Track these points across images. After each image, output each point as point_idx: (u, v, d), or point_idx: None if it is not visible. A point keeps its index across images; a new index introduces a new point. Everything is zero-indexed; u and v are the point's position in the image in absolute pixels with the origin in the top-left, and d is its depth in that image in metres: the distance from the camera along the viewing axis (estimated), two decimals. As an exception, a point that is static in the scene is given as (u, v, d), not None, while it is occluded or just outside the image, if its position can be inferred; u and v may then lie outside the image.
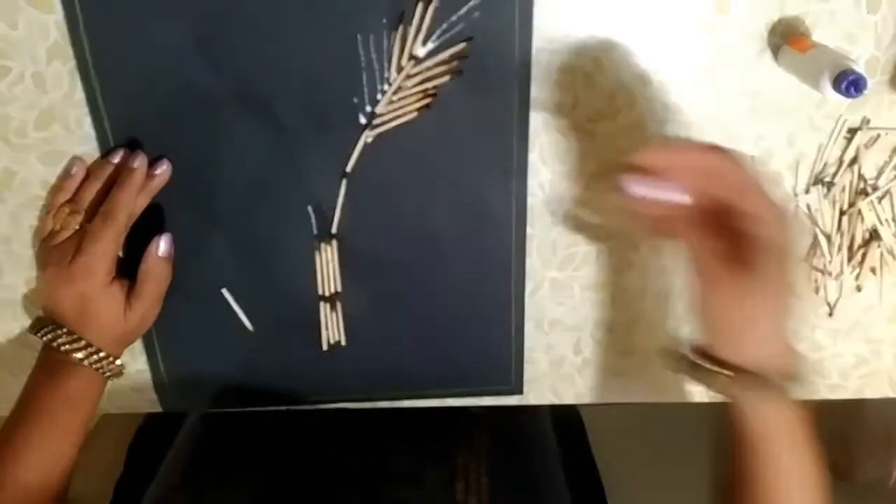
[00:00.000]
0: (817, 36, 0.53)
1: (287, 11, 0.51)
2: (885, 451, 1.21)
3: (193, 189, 0.57)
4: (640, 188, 0.43)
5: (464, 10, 0.51)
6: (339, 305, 0.61)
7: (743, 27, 0.53)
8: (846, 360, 0.66)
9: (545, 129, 0.56)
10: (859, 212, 0.59)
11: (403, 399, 0.66)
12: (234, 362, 0.63)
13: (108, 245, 0.53)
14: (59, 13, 0.51)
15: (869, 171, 0.58)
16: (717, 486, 0.52)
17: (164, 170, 0.55)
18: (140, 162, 0.54)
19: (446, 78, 0.53)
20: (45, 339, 0.54)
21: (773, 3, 0.52)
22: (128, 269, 0.56)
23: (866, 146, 0.57)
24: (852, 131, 0.57)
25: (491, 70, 0.53)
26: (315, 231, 0.59)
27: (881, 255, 0.60)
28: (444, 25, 0.52)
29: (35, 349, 0.56)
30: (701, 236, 0.45)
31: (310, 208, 0.58)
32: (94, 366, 0.54)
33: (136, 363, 0.64)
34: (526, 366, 0.65)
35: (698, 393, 0.67)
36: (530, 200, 0.58)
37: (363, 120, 0.55)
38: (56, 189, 0.56)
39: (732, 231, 0.43)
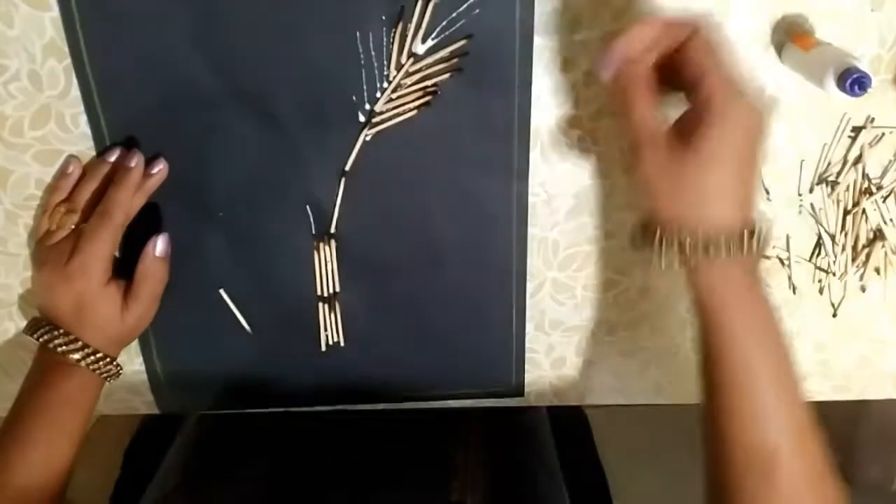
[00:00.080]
0: (821, 34, 0.53)
1: (285, 8, 0.51)
2: (889, 451, 1.21)
3: (190, 188, 0.56)
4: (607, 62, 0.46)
5: (464, 6, 0.51)
6: (337, 306, 0.61)
7: (746, 25, 0.53)
8: (850, 360, 0.65)
9: (546, 128, 0.55)
10: (863, 211, 0.58)
11: (403, 400, 0.65)
12: (231, 363, 0.63)
13: (104, 245, 0.53)
14: (54, 10, 0.51)
15: (873, 170, 0.58)
16: (701, 417, 0.50)
17: (160, 169, 0.55)
18: (137, 161, 0.54)
19: (446, 76, 0.53)
20: (41, 340, 0.54)
21: (776, 0, 0.52)
22: (124, 269, 0.56)
23: (870, 145, 0.57)
24: (856, 130, 0.56)
25: (491, 68, 0.53)
26: (313, 230, 0.58)
27: (886, 254, 0.60)
28: (444, 22, 0.51)
29: (31, 350, 0.56)
30: (650, 96, 0.46)
31: (308, 207, 0.57)
32: (91, 367, 0.54)
33: (132, 364, 0.63)
34: (527, 367, 0.64)
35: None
36: (531, 200, 0.58)
37: (362, 118, 0.54)
38: (52, 188, 0.56)
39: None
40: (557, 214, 0.59)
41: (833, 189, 0.58)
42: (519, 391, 0.65)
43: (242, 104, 0.54)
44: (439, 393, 0.65)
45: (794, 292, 0.62)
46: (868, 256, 0.60)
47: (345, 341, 0.62)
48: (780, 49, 0.53)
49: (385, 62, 0.53)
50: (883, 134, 0.56)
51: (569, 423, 0.79)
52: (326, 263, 0.59)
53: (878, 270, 0.61)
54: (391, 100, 0.54)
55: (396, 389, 0.65)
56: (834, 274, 0.61)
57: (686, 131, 0.44)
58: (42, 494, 0.53)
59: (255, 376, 0.64)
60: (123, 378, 0.60)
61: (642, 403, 0.67)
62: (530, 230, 0.59)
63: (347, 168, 0.56)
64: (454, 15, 0.51)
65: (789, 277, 0.61)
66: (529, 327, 0.63)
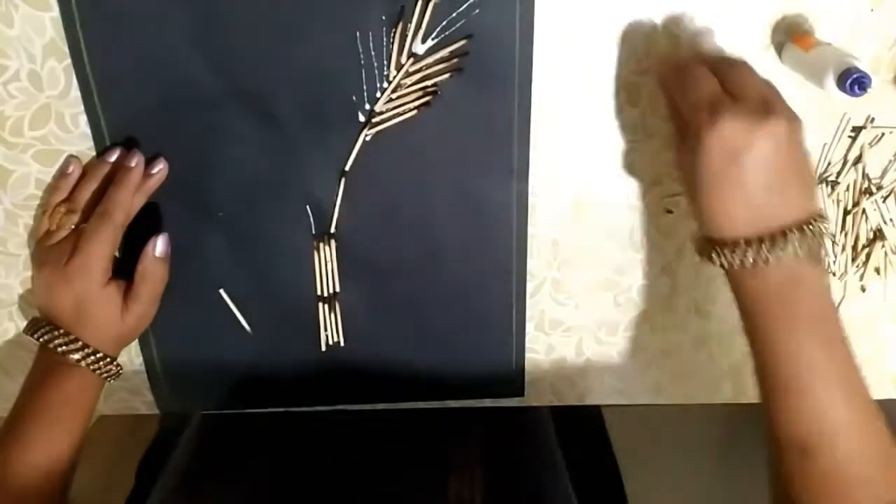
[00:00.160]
0: (821, 34, 0.52)
1: (285, 8, 0.51)
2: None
3: (190, 188, 0.56)
4: None
5: (464, 6, 0.51)
6: (337, 306, 0.61)
7: (746, 25, 0.52)
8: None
9: (546, 128, 0.55)
10: (863, 211, 0.58)
11: (402, 400, 0.65)
12: (231, 363, 0.63)
13: (104, 245, 0.53)
14: (54, 10, 0.51)
15: (873, 170, 0.58)
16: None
17: (160, 169, 0.55)
18: (137, 161, 0.54)
19: (446, 76, 0.53)
20: (41, 340, 0.54)
21: (776, 0, 0.52)
22: (124, 269, 0.56)
23: (870, 145, 0.57)
24: (856, 130, 0.56)
25: (491, 67, 0.53)
26: (313, 230, 0.58)
27: (886, 254, 0.60)
28: (444, 22, 0.51)
29: (31, 350, 0.56)
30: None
31: (308, 207, 0.57)
32: (91, 367, 0.54)
33: (132, 364, 0.63)
34: (527, 367, 0.64)
35: (700, 395, 0.67)
36: (531, 200, 0.57)
37: (362, 118, 0.54)
38: (52, 188, 0.56)
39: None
40: (557, 214, 0.59)
41: (833, 189, 0.58)
42: (519, 391, 0.65)
43: (242, 104, 0.54)
44: (439, 392, 0.65)
45: (794, 292, 0.62)
46: (868, 256, 0.60)
47: (345, 341, 0.62)
48: (780, 49, 0.53)
49: (385, 62, 0.53)
50: (883, 134, 0.56)
51: (581, 422, 0.79)
52: (326, 263, 0.59)
53: (878, 270, 0.61)
54: (391, 100, 0.54)
55: (396, 389, 0.65)
56: (834, 274, 0.61)
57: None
58: (43, 494, 0.53)
59: (255, 376, 0.64)
60: (123, 378, 0.60)
61: (642, 403, 0.67)
62: (530, 230, 0.59)
63: (347, 168, 0.56)
64: (454, 15, 0.51)
65: (789, 277, 0.61)
66: (529, 327, 0.63)
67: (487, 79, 0.53)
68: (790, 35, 0.52)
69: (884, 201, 0.58)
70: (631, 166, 0.57)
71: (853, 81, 0.46)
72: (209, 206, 0.57)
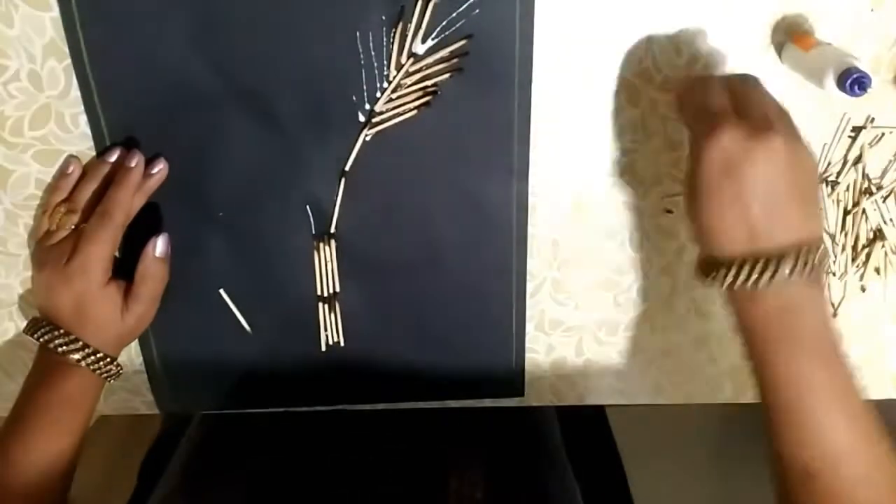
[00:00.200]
0: (821, 34, 0.52)
1: (285, 8, 0.51)
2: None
3: (190, 188, 0.56)
4: None
5: (464, 6, 0.51)
6: (337, 306, 0.61)
7: (746, 25, 0.52)
8: (850, 361, 0.65)
9: (546, 128, 0.55)
10: (863, 211, 0.58)
11: (402, 400, 0.65)
12: (231, 364, 0.63)
13: (104, 245, 0.53)
14: (54, 10, 0.51)
15: (873, 171, 0.58)
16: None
17: (160, 169, 0.55)
18: (137, 161, 0.54)
19: (446, 76, 0.53)
20: (41, 340, 0.54)
21: (776, 0, 0.52)
22: (124, 269, 0.56)
23: (870, 145, 0.57)
24: (856, 130, 0.56)
25: (491, 67, 0.53)
26: (313, 230, 0.58)
27: (886, 254, 0.60)
28: (444, 22, 0.51)
29: (31, 350, 0.56)
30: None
31: (308, 207, 0.57)
32: (91, 367, 0.54)
33: (132, 364, 0.63)
34: (527, 367, 0.64)
35: (700, 395, 0.66)
36: (531, 200, 0.57)
37: (362, 118, 0.54)
38: (52, 188, 0.56)
39: None
40: (557, 214, 0.59)
41: (833, 189, 0.58)
42: (519, 391, 0.65)
43: (242, 104, 0.54)
44: (439, 392, 0.65)
45: (794, 292, 0.62)
46: (868, 256, 0.60)
47: (345, 341, 0.62)
48: (780, 49, 0.53)
49: (385, 62, 0.53)
50: (883, 134, 0.56)
51: (585, 421, 0.79)
52: (326, 263, 0.59)
53: (878, 270, 0.61)
54: (391, 100, 0.54)
55: (396, 389, 0.65)
56: (834, 274, 0.61)
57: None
58: (43, 494, 0.53)
59: (255, 376, 0.64)
60: (123, 378, 0.60)
61: (642, 403, 0.67)
62: (530, 230, 0.59)
63: (347, 168, 0.56)
64: (454, 15, 0.51)
65: (789, 277, 0.61)
66: (529, 327, 0.63)
67: (487, 79, 0.53)
68: (790, 35, 0.52)
69: (884, 201, 0.58)
70: (631, 166, 0.57)
71: (853, 81, 0.46)
72: (209, 206, 0.57)
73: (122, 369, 0.57)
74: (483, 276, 0.60)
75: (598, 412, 0.83)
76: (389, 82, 0.53)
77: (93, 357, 0.54)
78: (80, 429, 0.54)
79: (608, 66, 0.54)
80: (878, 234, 0.59)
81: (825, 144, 0.57)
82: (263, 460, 0.65)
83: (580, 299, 0.62)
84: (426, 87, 0.53)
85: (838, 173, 0.58)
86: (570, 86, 0.54)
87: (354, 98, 0.54)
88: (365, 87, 0.53)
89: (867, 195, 0.58)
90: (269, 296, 0.60)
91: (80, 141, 0.55)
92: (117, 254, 0.56)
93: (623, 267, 0.61)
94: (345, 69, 0.53)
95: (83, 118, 0.54)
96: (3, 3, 0.50)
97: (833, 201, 0.58)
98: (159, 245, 0.56)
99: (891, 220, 0.58)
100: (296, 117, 0.54)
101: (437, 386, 0.64)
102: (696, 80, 0.49)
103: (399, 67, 0.53)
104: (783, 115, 0.46)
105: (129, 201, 0.54)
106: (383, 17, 0.51)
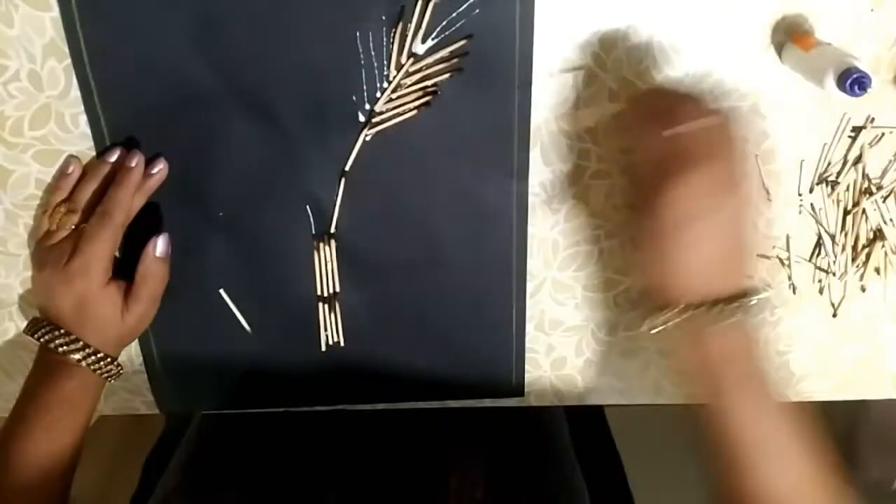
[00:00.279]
0: (821, 34, 0.52)
1: (285, 8, 0.51)
2: (889, 451, 1.20)
3: (190, 188, 0.56)
4: None
5: (464, 6, 0.51)
6: (337, 306, 0.61)
7: (746, 25, 0.52)
8: (850, 360, 0.65)
9: (546, 128, 0.55)
10: (863, 211, 0.58)
11: (402, 400, 0.65)
12: (231, 364, 0.63)
13: (104, 245, 0.53)
14: (54, 10, 0.51)
15: (873, 171, 0.58)
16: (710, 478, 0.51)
17: (160, 169, 0.55)
18: (137, 161, 0.54)
19: (446, 76, 0.53)
20: (41, 340, 0.54)
21: (776, 0, 0.52)
22: (125, 269, 0.56)
23: (870, 145, 0.57)
24: (856, 130, 0.56)
25: (491, 67, 0.53)
26: (313, 230, 0.58)
27: (886, 254, 0.60)
28: (444, 22, 0.51)
29: (31, 350, 0.56)
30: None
31: (308, 207, 0.57)
32: (91, 367, 0.54)
33: (132, 364, 0.63)
34: (527, 367, 0.64)
35: (700, 395, 0.66)
36: (531, 200, 0.57)
37: (362, 118, 0.54)
38: (52, 188, 0.56)
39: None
40: (557, 214, 0.58)
41: (833, 189, 0.58)
42: (519, 391, 0.65)
43: (242, 104, 0.54)
44: (439, 393, 0.65)
45: (794, 292, 0.62)
46: (868, 256, 0.60)
47: (345, 341, 0.62)
48: (780, 49, 0.53)
49: (385, 62, 0.53)
50: (883, 134, 0.56)
51: (585, 421, 0.79)
52: (326, 263, 0.59)
53: (878, 270, 0.61)
54: (391, 100, 0.54)
55: (396, 389, 0.65)
56: (834, 274, 0.61)
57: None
58: (43, 494, 0.53)
59: (255, 376, 0.64)
60: (123, 378, 0.60)
61: (642, 403, 0.67)
62: (530, 230, 0.59)
63: (347, 168, 0.56)
64: (454, 15, 0.51)
65: (789, 277, 0.61)
66: (529, 327, 0.63)
67: (487, 79, 0.53)
68: (790, 35, 0.52)
69: (884, 201, 0.58)
70: (631, 166, 0.57)
71: (853, 81, 0.46)
72: (209, 206, 0.57)
73: (122, 369, 0.57)
74: (483, 276, 0.60)
75: (597, 412, 0.83)
76: (389, 82, 0.53)
77: (93, 357, 0.54)
78: (80, 429, 0.54)
79: (608, 67, 0.54)
80: (878, 234, 0.59)
81: (825, 144, 0.57)
82: (263, 460, 0.65)
83: (580, 299, 0.62)
84: (426, 87, 0.53)
85: (838, 173, 0.58)
86: (571, 84, 0.54)
87: (354, 98, 0.54)
88: (365, 87, 0.53)
89: (867, 195, 0.58)
90: (269, 296, 0.60)
91: (80, 141, 0.55)
92: (117, 254, 0.55)
93: (623, 267, 0.61)
94: (345, 69, 0.53)
95: (83, 118, 0.54)
96: (3, 3, 0.50)
97: (833, 201, 0.58)
98: (159, 245, 0.56)
99: (891, 220, 0.58)
100: (296, 117, 0.54)
101: (437, 386, 0.64)
102: (640, 106, 0.50)
103: (399, 67, 0.53)
104: (736, 157, 0.47)
105: (129, 201, 0.54)
106: (383, 17, 0.51)
